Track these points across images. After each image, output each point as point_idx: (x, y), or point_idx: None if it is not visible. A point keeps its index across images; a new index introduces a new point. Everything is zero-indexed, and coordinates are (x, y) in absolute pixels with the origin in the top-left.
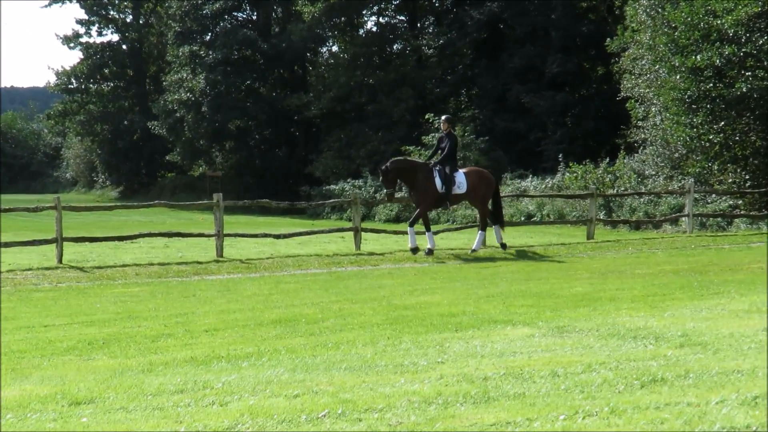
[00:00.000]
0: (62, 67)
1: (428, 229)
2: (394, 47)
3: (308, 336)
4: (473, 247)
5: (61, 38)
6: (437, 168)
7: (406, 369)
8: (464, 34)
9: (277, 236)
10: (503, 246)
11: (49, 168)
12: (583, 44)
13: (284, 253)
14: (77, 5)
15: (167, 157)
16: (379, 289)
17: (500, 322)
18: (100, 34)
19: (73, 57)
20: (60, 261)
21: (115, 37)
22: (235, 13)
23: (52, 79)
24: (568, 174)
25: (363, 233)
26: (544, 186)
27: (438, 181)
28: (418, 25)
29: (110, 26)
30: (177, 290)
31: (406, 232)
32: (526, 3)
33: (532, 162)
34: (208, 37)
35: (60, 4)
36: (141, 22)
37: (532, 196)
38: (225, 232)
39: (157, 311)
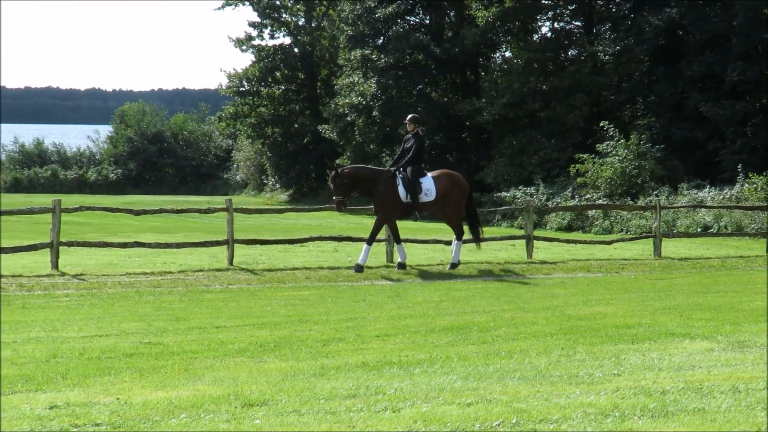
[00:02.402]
0: (234, 69)
1: (398, 242)
2: (569, 53)
3: (480, 344)
4: (452, 261)
5: (233, 41)
6: (401, 174)
7: (581, 380)
8: (641, 41)
9: (447, 242)
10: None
11: (219, 170)
12: (765, 52)
13: None
14: (250, 8)
15: (337, 161)
16: (552, 298)
17: (677, 335)
18: (272, 36)
19: (244, 59)
20: (231, 263)
21: (287, 40)
22: (408, 17)
23: (224, 82)
24: (747, 185)
25: (535, 241)
26: (721, 197)
27: (401, 190)
28: (594, 30)
29: (282, 29)
30: (347, 294)
31: (579, 242)
32: (706, 9)
33: (709, 172)
34: (380, 41)
35: (233, 6)
36: (313, 25)
37: (710, 207)
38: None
39: (328, 315)
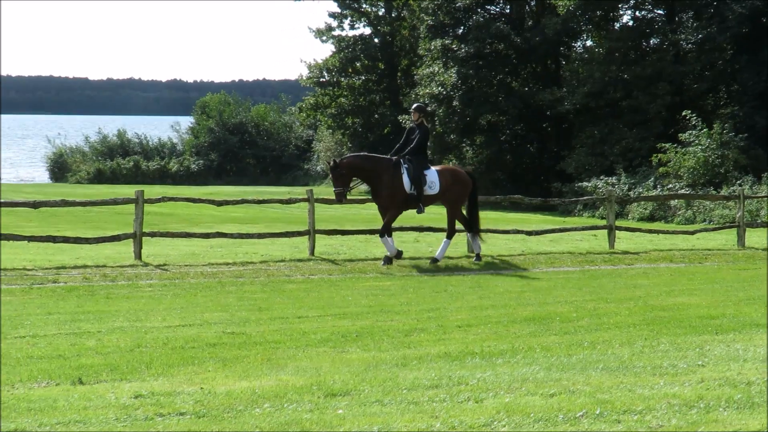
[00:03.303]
0: (314, 60)
1: (389, 234)
2: (651, 42)
3: (563, 335)
4: (436, 256)
5: (313, 31)
6: (405, 165)
7: (665, 371)
8: (725, 29)
9: (529, 233)
10: (478, 257)
11: (300, 160)
12: None
13: (536, 249)
14: None
15: None
16: (634, 288)
17: (763, 326)
18: (352, 27)
19: (325, 50)
20: (312, 253)
21: (367, 31)
22: (488, 7)
23: (304, 72)
24: None
25: (617, 231)
26: None
27: (406, 180)
28: (677, 19)
29: (362, 19)
30: (428, 285)
31: (661, 232)
32: None
33: None
34: (461, 31)
35: None
36: (393, 15)
37: None
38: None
39: (409, 305)
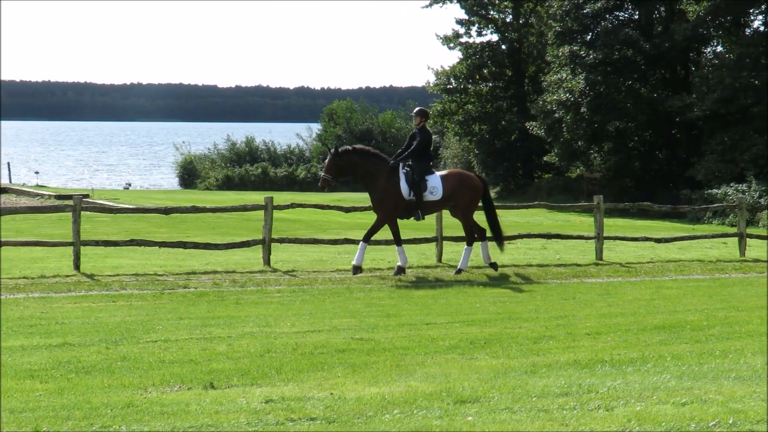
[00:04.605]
0: (441, 67)
1: (398, 244)
2: None
3: (693, 343)
4: (459, 267)
5: (440, 38)
6: (404, 170)
7: None
8: None
9: (658, 240)
10: (494, 266)
11: None
12: None
13: (665, 257)
14: (457, 5)
15: (545, 158)
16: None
17: None
18: (479, 34)
19: (451, 57)
20: (439, 260)
21: (495, 37)
22: (617, 13)
23: (431, 79)
24: None
25: (748, 239)
26: None
27: (404, 185)
28: None
29: (490, 26)
30: (556, 292)
31: None
32: None
33: None
34: (589, 37)
35: (440, 4)
36: (521, 21)
37: None
38: (604, 234)
39: (537, 313)
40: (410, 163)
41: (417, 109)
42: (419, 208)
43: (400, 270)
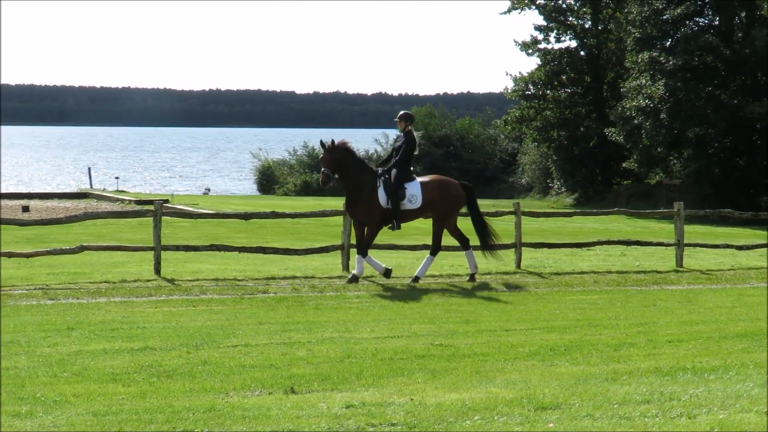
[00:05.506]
0: (520, 73)
1: (363, 254)
2: None
3: None
4: (416, 274)
5: (519, 44)
6: (382, 178)
7: None
8: None
9: (739, 247)
10: (472, 278)
11: (504, 173)
12: None
13: (746, 264)
14: (536, 12)
15: (623, 165)
16: None
17: None
18: (558, 40)
19: (530, 63)
20: (518, 266)
21: (573, 44)
22: (697, 19)
23: (509, 85)
24: None
25: None
26: None
27: (381, 194)
28: None
29: (569, 32)
30: (636, 299)
31: None
32: None
33: None
34: (668, 43)
35: (519, 11)
36: (600, 28)
37: None
38: (685, 241)
39: (617, 319)
40: (388, 169)
41: (401, 113)
42: (395, 217)
43: (354, 278)
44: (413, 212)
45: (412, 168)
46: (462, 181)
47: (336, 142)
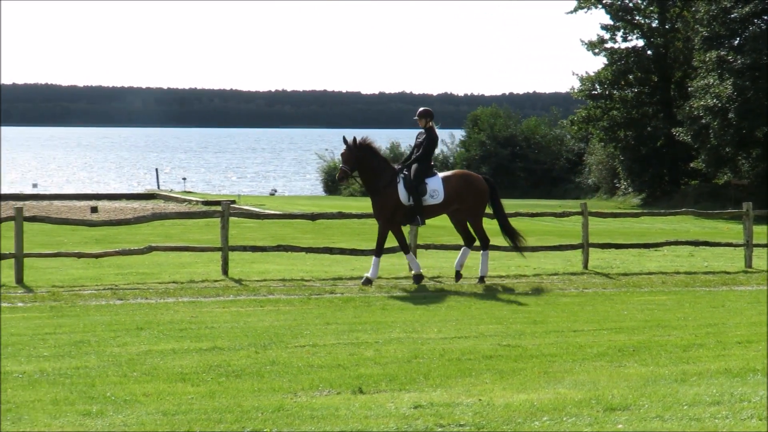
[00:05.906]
0: (586, 72)
1: (405, 251)
2: None
3: None
4: (480, 274)
5: (585, 44)
6: (402, 174)
7: None
8: None
9: None
10: (457, 276)
11: (571, 174)
12: None
13: None
14: (602, 11)
15: (691, 164)
16: None
17: None
18: (624, 39)
19: (596, 62)
20: (586, 267)
21: (640, 43)
22: (765, 17)
23: (576, 85)
24: None
25: None
26: None
27: (402, 190)
28: None
29: (636, 31)
30: (705, 300)
31: None
32: None
33: None
34: (737, 42)
35: (585, 10)
36: (667, 27)
37: None
38: (754, 242)
39: (686, 320)
40: (408, 166)
41: (420, 110)
42: (419, 213)
43: (418, 278)
44: (437, 207)
45: (432, 164)
46: (485, 176)
47: (358, 141)
